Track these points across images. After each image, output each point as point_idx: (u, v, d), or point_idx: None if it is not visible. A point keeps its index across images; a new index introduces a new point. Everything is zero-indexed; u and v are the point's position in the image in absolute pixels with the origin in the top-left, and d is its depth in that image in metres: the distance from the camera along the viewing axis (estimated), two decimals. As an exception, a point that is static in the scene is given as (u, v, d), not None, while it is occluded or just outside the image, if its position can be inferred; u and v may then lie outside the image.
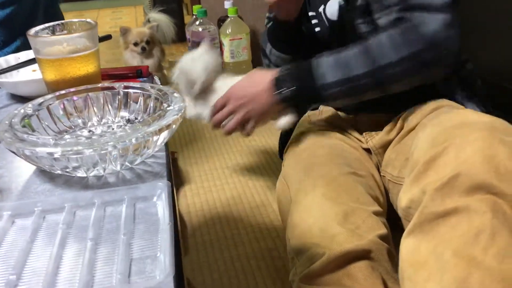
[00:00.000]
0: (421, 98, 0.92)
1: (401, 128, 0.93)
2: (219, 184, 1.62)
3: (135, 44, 2.25)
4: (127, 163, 0.60)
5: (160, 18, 2.43)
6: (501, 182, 0.60)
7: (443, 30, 0.81)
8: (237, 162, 1.75)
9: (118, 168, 0.60)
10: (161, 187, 0.55)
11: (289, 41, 1.04)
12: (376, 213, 0.78)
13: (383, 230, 0.75)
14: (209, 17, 2.09)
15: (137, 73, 0.85)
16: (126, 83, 0.72)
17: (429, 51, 0.82)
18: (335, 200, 0.78)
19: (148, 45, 2.26)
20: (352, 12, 0.93)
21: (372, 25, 0.91)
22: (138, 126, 0.58)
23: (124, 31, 2.26)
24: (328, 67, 0.85)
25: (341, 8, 0.96)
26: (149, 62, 2.25)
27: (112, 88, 0.72)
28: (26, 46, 1.13)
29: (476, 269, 0.56)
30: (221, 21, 2.22)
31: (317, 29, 1.02)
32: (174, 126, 0.60)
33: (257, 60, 2.29)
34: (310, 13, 1.03)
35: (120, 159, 0.58)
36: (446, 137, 0.68)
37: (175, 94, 0.67)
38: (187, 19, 3.51)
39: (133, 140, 0.56)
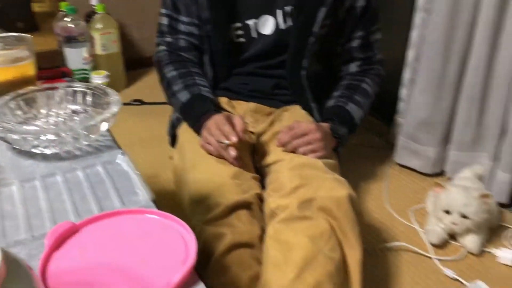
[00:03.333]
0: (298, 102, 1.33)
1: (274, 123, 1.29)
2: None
3: None
4: (88, 141, 0.85)
5: None
6: (338, 211, 0.98)
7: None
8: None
9: (83, 144, 0.85)
10: (119, 153, 0.82)
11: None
12: (254, 178, 1.12)
13: (259, 191, 1.08)
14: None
15: (62, 74, 1.08)
16: (67, 84, 0.95)
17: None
18: (226, 164, 1.09)
19: None
20: (295, 34, 1.24)
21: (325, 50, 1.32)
22: (94, 114, 0.84)
23: None
24: (355, 113, 1.29)
25: (279, 27, 1.25)
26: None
27: (56, 88, 0.95)
28: None
29: (318, 253, 0.92)
30: (88, 16, 2.37)
31: (241, 39, 1.27)
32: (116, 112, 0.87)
33: (126, 52, 2.49)
34: (237, 24, 1.26)
35: (85, 138, 0.84)
36: (305, 177, 1.03)
37: (108, 89, 0.93)
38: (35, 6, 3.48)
39: (98, 123, 0.82)
